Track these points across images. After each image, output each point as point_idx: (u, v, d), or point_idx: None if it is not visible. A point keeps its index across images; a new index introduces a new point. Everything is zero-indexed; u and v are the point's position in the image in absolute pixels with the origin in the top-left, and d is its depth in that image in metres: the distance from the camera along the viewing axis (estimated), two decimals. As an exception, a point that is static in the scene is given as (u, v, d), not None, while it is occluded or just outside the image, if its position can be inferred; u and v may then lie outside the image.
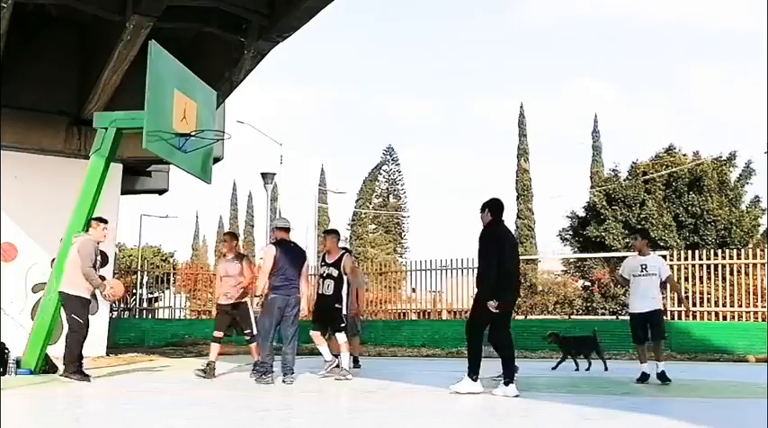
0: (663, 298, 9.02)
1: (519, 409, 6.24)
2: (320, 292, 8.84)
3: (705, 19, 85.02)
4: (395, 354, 14.39)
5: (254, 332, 8.88)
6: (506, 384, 6.91)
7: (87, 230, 8.57)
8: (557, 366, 10.47)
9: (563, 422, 5.66)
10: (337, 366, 8.75)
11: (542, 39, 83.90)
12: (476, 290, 7.46)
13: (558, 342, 10.95)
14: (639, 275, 8.75)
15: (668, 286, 9.43)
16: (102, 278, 8.86)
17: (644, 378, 8.49)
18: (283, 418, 5.84)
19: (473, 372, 7.06)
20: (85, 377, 8.25)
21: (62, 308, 8.56)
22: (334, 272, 8.76)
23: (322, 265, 9.02)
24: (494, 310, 6.94)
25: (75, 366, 8.23)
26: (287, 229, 8.48)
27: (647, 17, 79.35)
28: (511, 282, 7.22)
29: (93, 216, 8.71)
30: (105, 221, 8.67)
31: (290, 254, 8.21)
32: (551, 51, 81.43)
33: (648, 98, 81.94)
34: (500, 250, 7.12)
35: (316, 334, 8.87)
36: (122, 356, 12.57)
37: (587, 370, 10.30)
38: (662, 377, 8.32)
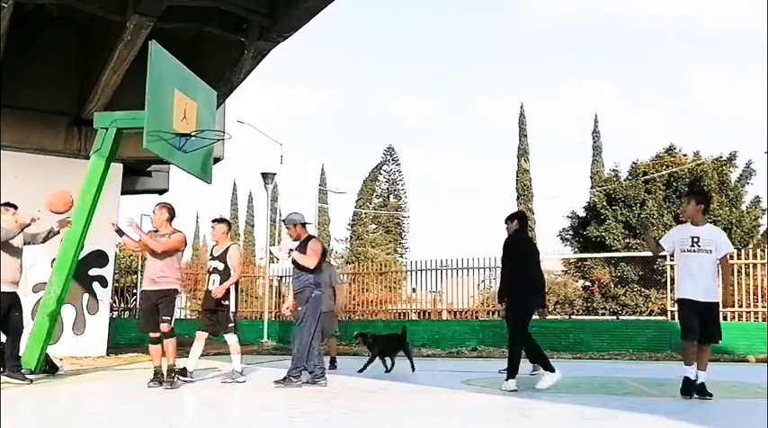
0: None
1: (519, 409, 6.24)
2: (207, 288, 8.37)
3: (705, 19, 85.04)
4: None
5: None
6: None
7: None
8: (363, 369, 9.41)
9: (563, 422, 5.66)
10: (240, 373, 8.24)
11: (542, 39, 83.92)
12: (507, 297, 7.73)
13: (365, 342, 10.03)
14: (689, 251, 6.75)
15: (720, 269, 6.98)
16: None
17: (689, 385, 6.78)
18: (283, 418, 5.84)
19: (513, 373, 7.40)
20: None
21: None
22: (220, 266, 8.21)
23: (210, 259, 8.49)
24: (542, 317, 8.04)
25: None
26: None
27: (648, 17, 79.37)
28: (536, 285, 7.66)
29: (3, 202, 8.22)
30: (15, 206, 8.19)
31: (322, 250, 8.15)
32: (551, 51, 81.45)
33: (649, 98, 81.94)
34: (525, 254, 7.67)
35: (201, 335, 8.37)
36: (122, 356, 12.57)
37: (389, 370, 9.48)
38: (701, 389, 6.79)
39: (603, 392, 7.61)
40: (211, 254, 8.45)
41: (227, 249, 8.31)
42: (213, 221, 8.69)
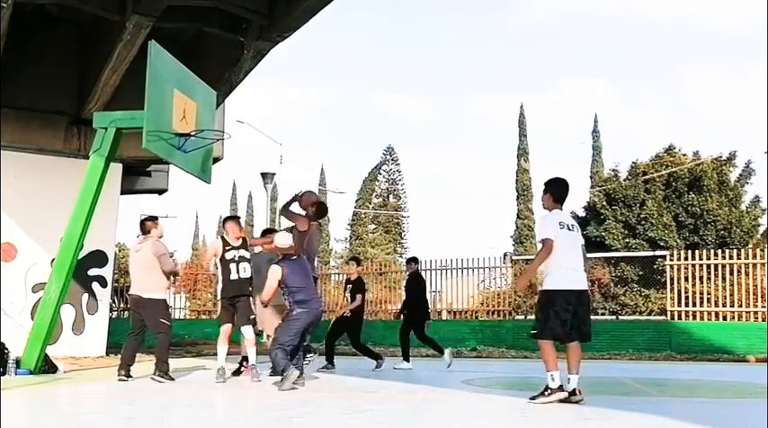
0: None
1: (519, 409, 6.24)
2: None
3: (705, 19, 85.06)
4: (395, 354, 14.35)
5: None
6: None
7: (150, 231, 8.43)
8: None
9: (563, 422, 5.66)
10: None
11: (542, 38, 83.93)
12: None
13: None
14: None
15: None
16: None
17: None
18: (283, 418, 5.83)
19: None
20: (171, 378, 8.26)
21: (142, 314, 8.56)
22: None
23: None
24: None
25: (166, 366, 8.30)
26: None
27: (647, 17, 79.38)
28: None
29: (147, 216, 8.76)
30: (156, 218, 8.75)
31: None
32: (551, 51, 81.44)
33: (648, 98, 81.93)
34: None
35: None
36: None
37: None
38: None
39: (603, 392, 7.60)
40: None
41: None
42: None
